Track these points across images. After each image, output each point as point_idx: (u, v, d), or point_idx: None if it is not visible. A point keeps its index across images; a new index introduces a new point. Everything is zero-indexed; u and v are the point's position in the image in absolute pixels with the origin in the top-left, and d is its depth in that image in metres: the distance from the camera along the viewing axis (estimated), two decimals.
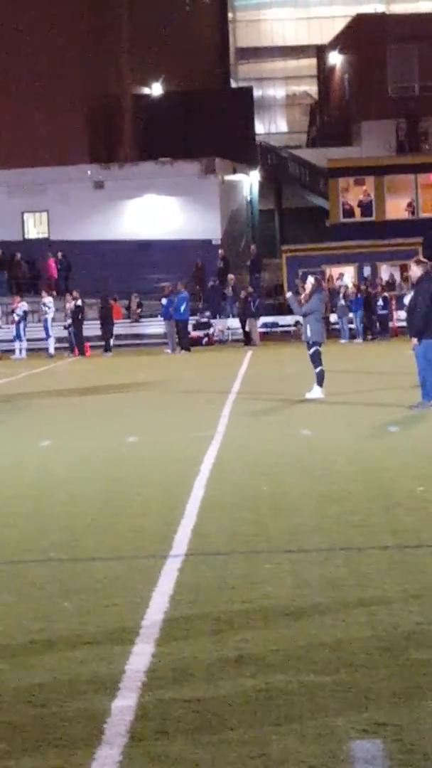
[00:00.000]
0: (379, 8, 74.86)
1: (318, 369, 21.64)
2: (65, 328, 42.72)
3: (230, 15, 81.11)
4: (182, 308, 40.96)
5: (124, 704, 5.99)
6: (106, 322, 42.54)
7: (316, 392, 21.52)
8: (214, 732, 5.59)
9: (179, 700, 6.02)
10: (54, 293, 46.10)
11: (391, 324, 43.16)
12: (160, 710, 5.89)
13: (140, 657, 6.73)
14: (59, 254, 52.21)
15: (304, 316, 22.11)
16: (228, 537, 9.82)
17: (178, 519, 10.58)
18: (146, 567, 8.86)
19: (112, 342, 42.78)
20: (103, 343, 42.47)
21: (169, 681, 6.32)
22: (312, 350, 21.82)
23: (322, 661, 6.52)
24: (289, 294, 25.17)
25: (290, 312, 34.83)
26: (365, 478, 12.43)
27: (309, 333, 21.95)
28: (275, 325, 46.72)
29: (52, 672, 6.57)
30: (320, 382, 21.61)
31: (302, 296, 22.63)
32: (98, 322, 43.34)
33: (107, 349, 42.13)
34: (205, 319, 47.10)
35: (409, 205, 55.13)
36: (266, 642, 6.91)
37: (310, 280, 22.41)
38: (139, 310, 49.81)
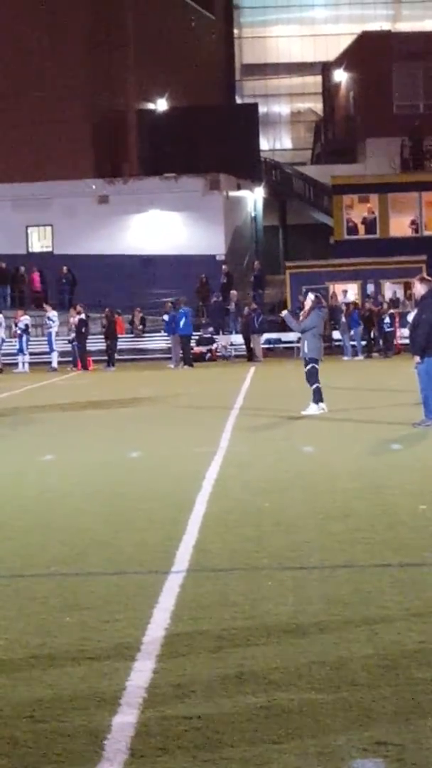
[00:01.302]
0: (385, 26, 75.08)
1: (314, 386, 21.64)
2: (69, 342, 42.75)
3: (236, 31, 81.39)
4: (182, 323, 41.00)
5: (125, 720, 5.97)
6: (110, 337, 42.57)
7: (312, 409, 21.52)
8: (214, 749, 5.57)
9: (180, 716, 6.00)
10: (47, 306, 45.97)
11: (395, 341, 43.17)
12: (160, 727, 5.87)
13: (141, 673, 6.70)
14: (64, 269, 52.26)
15: (302, 332, 22.11)
16: (230, 553, 9.80)
17: (180, 534, 10.57)
18: (148, 582, 8.85)
19: (115, 356, 42.81)
20: (106, 357, 42.51)
21: (170, 697, 6.30)
22: (308, 367, 21.81)
23: (323, 679, 6.50)
24: (285, 312, 25.23)
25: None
26: (368, 495, 12.41)
27: (306, 350, 21.96)
28: (278, 341, 46.75)
29: (53, 687, 6.55)
30: (316, 399, 21.60)
31: (302, 313, 22.64)
32: (102, 336, 43.38)
33: (110, 363, 42.16)
34: (208, 335, 47.14)
35: (413, 222, 55.19)
36: (267, 659, 6.89)
37: (310, 297, 22.44)
38: (141, 327, 49.83)
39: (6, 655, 7.19)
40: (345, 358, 42.33)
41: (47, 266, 52.76)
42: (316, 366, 21.80)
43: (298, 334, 23.81)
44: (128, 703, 6.22)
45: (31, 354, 44.67)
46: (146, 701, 6.24)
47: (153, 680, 6.58)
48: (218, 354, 46.32)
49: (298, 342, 43.51)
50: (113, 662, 6.95)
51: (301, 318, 22.52)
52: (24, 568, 9.54)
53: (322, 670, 6.64)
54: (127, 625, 7.69)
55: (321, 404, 21.63)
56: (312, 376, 21.68)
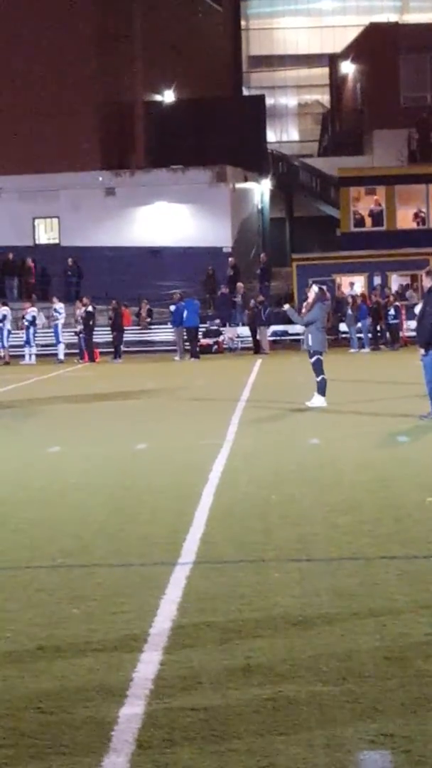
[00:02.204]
0: (392, 18, 74.97)
1: (319, 378, 21.65)
2: (76, 334, 42.77)
3: (243, 23, 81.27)
4: (185, 314, 41.03)
5: (132, 712, 5.98)
6: (117, 329, 42.59)
7: (318, 401, 21.52)
8: (221, 741, 5.57)
9: (187, 708, 6.00)
10: (54, 299, 45.96)
11: (401, 334, 43.13)
12: (167, 718, 5.88)
13: (148, 665, 6.72)
14: (70, 261, 52.26)
15: (306, 325, 22.09)
16: (237, 545, 9.81)
17: (186, 527, 10.57)
18: (155, 574, 8.85)
19: (122, 348, 42.83)
20: (112, 349, 42.52)
21: (177, 689, 6.31)
22: (313, 359, 21.81)
23: (330, 671, 6.51)
24: (287, 306, 25.24)
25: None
26: (374, 487, 12.41)
27: (310, 342, 21.95)
28: (285, 333, 46.70)
29: (60, 679, 6.56)
30: (321, 391, 21.61)
31: (305, 305, 22.63)
32: (109, 328, 43.38)
33: (117, 355, 42.17)
34: (215, 327, 47.12)
35: (416, 215, 55.11)
36: (274, 651, 6.90)
37: (314, 289, 22.41)
38: (148, 319, 49.83)
39: (13, 647, 7.20)
40: (351, 350, 42.28)
41: (54, 258, 52.75)
42: (321, 357, 21.80)
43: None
44: (135, 694, 6.24)
45: (38, 346, 44.68)
46: (153, 693, 6.25)
47: (160, 672, 6.59)
48: (225, 346, 46.30)
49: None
50: (120, 654, 6.96)
51: (303, 311, 22.50)
52: (31, 560, 9.56)
53: (329, 662, 6.65)
54: (134, 617, 7.70)
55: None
56: (318, 368, 21.68)
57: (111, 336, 43.06)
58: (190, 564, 9.17)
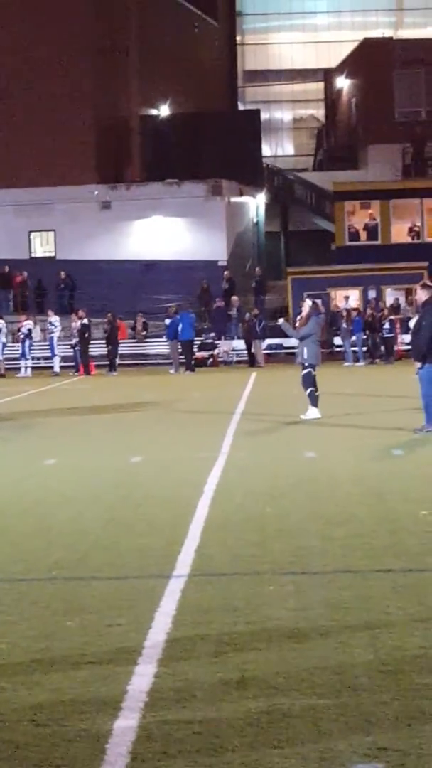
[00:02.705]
0: (387, 33, 75.13)
1: (308, 390, 21.68)
2: (72, 347, 42.79)
3: (238, 38, 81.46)
4: (179, 328, 41.06)
5: (126, 725, 5.98)
6: (112, 342, 42.61)
7: (312, 413, 21.53)
8: (215, 754, 5.57)
9: (181, 721, 6.00)
10: (49, 312, 46.00)
11: (396, 347, 43.19)
12: (162, 731, 5.88)
13: (142, 677, 6.71)
14: (63, 274, 52.31)
15: (301, 339, 22.10)
16: (231, 558, 9.81)
17: (181, 539, 10.58)
18: (149, 587, 8.85)
19: (117, 361, 42.85)
20: (107, 362, 42.55)
21: (171, 702, 6.30)
22: (305, 371, 21.82)
23: (324, 684, 6.51)
24: (281, 320, 25.26)
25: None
26: (369, 501, 12.42)
27: (305, 355, 21.95)
28: (280, 346, 46.73)
29: (55, 691, 6.56)
30: (314, 403, 21.63)
31: (299, 319, 22.65)
32: (104, 341, 43.41)
33: (112, 368, 42.19)
34: (210, 340, 47.14)
35: (411, 229, 55.21)
36: (269, 664, 6.90)
37: (308, 303, 22.45)
38: (144, 332, 49.85)
39: (8, 659, 7.20)
40: (346, 363, 42.34)
41: (50, 272, 52.77)
42: (313, 371, 21.82)
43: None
44: (129, 707, 6.23)
45: (33, 359, 44.69)
46: (147, 705, 6.25)
47: (154, 684, 6.59)
48: (220, 359, 46.33)
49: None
50: (114, 666, 6.96)
51: (297, 325, 22.53)
52: (26, 572, 9.55)
53: (324, 675, 6.65)
54: (129, 630, 7.70)
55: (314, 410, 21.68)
56: (307, 381, 21.69)
57: (106, 349, 43.09)
58: (185, 576, 9.17)
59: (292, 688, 6.47)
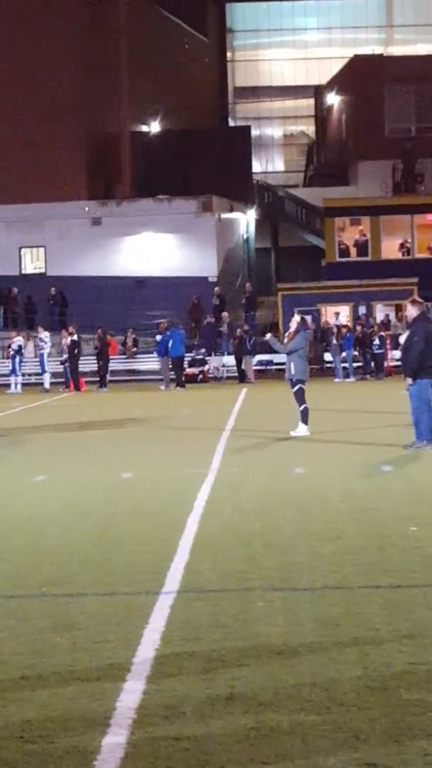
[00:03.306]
0: (377, 50, 75.42)
1: (302, 407, 21.69)
2: (62, 363, 42.80)
3: (229, 54, 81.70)
4: (170, 344, 41.08)
5: (115, 741, 5.97)
6: (103, 358, 42.62)
7: (302, 430, 21.55)
8: None
9: (170, 737, 6.00)
10: (39, 328, 46.04)
11: (386, 363, 43.27)
12: (150, 748, 5.87)
13: (131, 694, 6.71)
14: (53, 290, 52.36)
15: (288, 354, 22.13)
16: (220, 574, 9.82)
17: (171, 555, 10.58)
18: (139, 603, 8.86)
19: (107, 378, 42.85)
20: (98, 378, 42.56)
21: (160, 718, 6.31)
22: (296, 388, 21.85)
23: (313, 700, 6.51)
24: (268, 335, 25.32)
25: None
26: (358, 517, 12.43)
27: (293, 371, 21.96)
28: (270, 362, 46.81)
29: (43, 708, 6.55)
30: (305, 420, 21.65)
31: (287, 335, 22.69)
32: (94, 357, 43.42)
33: (103, 384, 42.18)
34: (200, 356, 47.18)
35: (402, 245, 55.35)
36: (257, 680, 6.90)
37: (296, 318, 22.50)
38: (134, 348, 49.87)
39: None
40: (336, 380, 42.40)
41: (40, 288, 52.81)
42: (303, 387, 21.85)
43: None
44: (118, 723, 6.23)
45: (23, 375, 44.68)
46: (136, 722, 6.25)
47: (143, 701, 6.59)
48: (210, 375, 46.36)
49: None
50: (103, 683, 6.95)
51: (286, 340, 22.56)
52: (15, 589, 9.55)
53: (312, 691, 6.66)
54: (118, 646, 7.71)
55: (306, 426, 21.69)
56: (300, 397, 21.73)
57: (96, 365, 43.11)
58: (174, 593, 9.17)
59: (280, 704, 6.47)
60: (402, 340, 20.53)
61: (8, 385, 43.82)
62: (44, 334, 44.33)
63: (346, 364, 43.38)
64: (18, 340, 44.43)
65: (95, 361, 43.40)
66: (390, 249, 55.17)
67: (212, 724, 6.20)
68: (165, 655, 7.46)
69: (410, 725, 6.08)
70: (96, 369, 43.19)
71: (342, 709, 6.36)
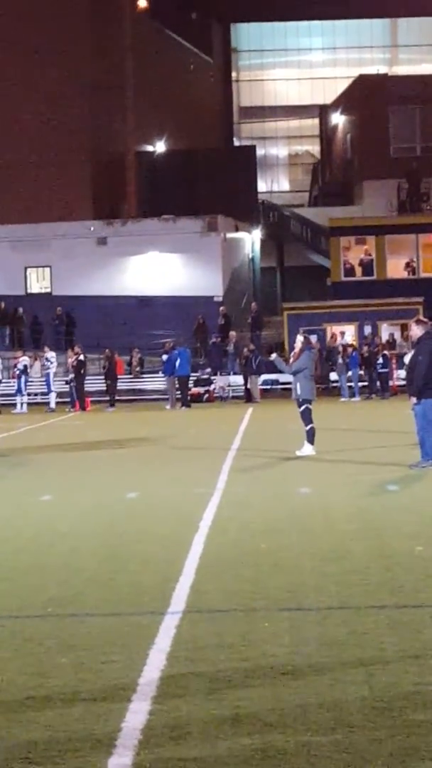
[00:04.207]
0: (382, 70, 75.65)
1: (308, 427, 21.69)
2: (67, 383, 42.82)
3: (234, 74, 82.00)
4: (177, 363, 41.09)
5: (120, 762, 5.96)
6: (111, 377, 42.65)
7: (307, 450, 21.54)
8: None
9: (175, 758, 5.99)
10: (46, 348, 46.16)
11: (391, 383, 43.26)
12: None
13: (137, 715, 6.70)
14: (58, 310, 52.44)
15: (294, 374, 22.14)
16: (226, 594, 9.80)
17: (176, 575, 10.57)
18: (144, 623, 8.85)
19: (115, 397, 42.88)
20: (107, 398, 42.60)
21: (166, 739, 6.29)
22: (302, 408, 21.86)
23: (319, 721, 6.49)
24: (274, 355, 25.32)
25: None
26: (364, 536, 12.41)
27: (299, 391, 21.98)
28: (276, 382, 46.81)
29: (49, 729, 6.54)
30: (311, 440, 21.64)
31: (293, 354, 22.70)
32: (102, 376, 43.46)
33: (112, 403, 42.18)
34: (206, 376, 47.18)
35: (408, 264, 55.39)
36: (263, 701, 6.88)
37: (299, 338, 22.51)
38: (138, 368, 49.90)
39: (1, 696, 7.18)
40: (342, 399, 42.38)
41: (46, 307, 52.87)
42: (310, 406, 21.85)
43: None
44: (124, 744, 6.22)
45: (29, 394, 44.71)
46: (142, 743, 6.24)
47: (149, 722, 6.58)
48: (216, 395, 46.36)
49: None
50: (109, 703, 6.94)
51: (291, 360, 22.57)
52: (20, 609, 9.54)
53: (318, 712, 6.64)
54: (123, 667, 7.69)
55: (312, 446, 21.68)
56: (306, 417, 21.73)
57: (105, 384, 43.15)
58: (180, 613, 9.16)
59: (286, 725, 6.45)
60: (407, 359, 20.52)
61: (14, 405, 43.85)
62: (50, 354, 44.38)
63: (352, 384, 43.37)
64: (24, 360, 44.48)
65: (103, 381, 43.44)
66: (395, 268, 55.22)
67: (218, 745, 6.18)
68: (170, 676, 7.44)
69: (417, 746, 6.06)
70: (104, 388, 43.24)
71: (348, 730, 6.34)
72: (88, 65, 59.67)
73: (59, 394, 43.69)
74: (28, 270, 55.57)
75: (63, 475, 20.06)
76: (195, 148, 65.34)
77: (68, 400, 42.81)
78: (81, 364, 41.52)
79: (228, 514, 14.32)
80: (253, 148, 68.61)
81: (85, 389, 42.50)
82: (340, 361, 43.47)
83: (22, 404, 43.67)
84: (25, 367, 44.23)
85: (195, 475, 18.98)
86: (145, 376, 50.04)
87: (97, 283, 54.15)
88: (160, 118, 64.16)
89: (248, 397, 43.45)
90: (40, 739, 6.37)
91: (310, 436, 21.66)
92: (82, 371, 41.69)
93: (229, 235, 56.52)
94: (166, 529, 13.39)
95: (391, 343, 48.08)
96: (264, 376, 45.46)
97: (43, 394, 45.31)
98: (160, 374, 45.15)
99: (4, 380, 44.93)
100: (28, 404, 43.98)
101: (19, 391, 43.85)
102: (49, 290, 55.39)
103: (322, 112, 74.00)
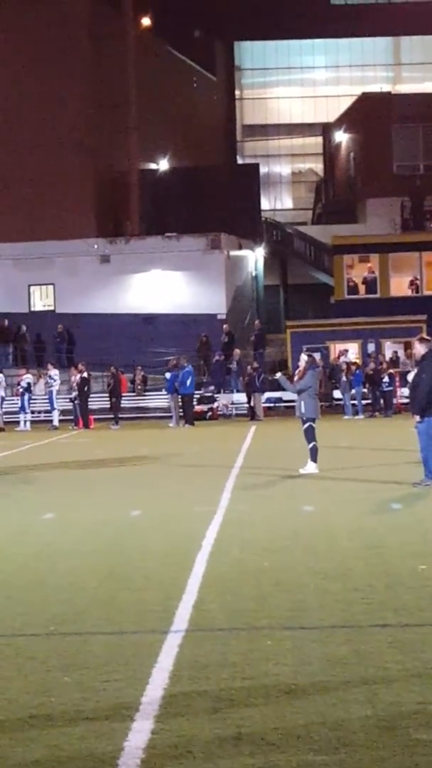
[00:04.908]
0: (385, 88, 75.89)
1: (311, 445, 21.70)
2: (71, 400, 42.81)
3: (237, 93, 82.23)
4: (188, 382, 41.11)
5: None
6: (116, 395, 42.65)
7: (310, 468, 21.55)
8: None
9: None
10: (49, 365, 46.21)
11: (395, 400, 43.25)
12: None
13: (139, 734, 6.69)
14: (60, 327, 52.48)
15: (299, 393, 22.17)
16: (229, 613, 9.79)
17: (179, 594, 10.56)
18: (147, 642, 8.84)
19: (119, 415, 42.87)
20: (110, 415, 42.60)
21: (168, 758, 6.28)
22: (306, 426, 21.88)
23: (322, 740, 6.48)
24: (279, 374, 25.34)
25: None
26: (367, 555, 12.40)
27: (303, 409, 22.01)
28: (279, 400, 46.80)
29: (51, 748, 6.53)
30: (314, 458, 21.65)
31: (297, 373, 22.73)
32: (106, 394, 43.44)
33: (116, 421, 42.17)
34: (209, 394, 47.17)
35: (412, 282, 55.44)
36: (266, 720, 6.88)
37: (303, 357, 22.54)
38: (141, 386, 49.89)
39: (4, 715, 7.18)
40: (345, 417, 42.38)
41: (49, 325, 52.91)
42: (314, 425, 21.87)
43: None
44: (126, 764, 6.21)
45: (32, 412, 44.72)
46: (144, 762, 6.23)
47: (151, 741, 6.57)
48: (219, 413, 46.34)
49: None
50: (111, 722, 6.93)
51: (296, 378, 22.60)
52: (23, 627, 9.53)
53: (321, 731, 6.63)
54: (126, 685, 7.68)
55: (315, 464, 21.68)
56: (310, 435, 21.74)
57: (109, 402, 43.15)
58: (183, 632, 9.15)
59: (289, 744, 6.44)
60: (410, 377, 20.53)
61: (17, 423, 43.85)
62: (54, 372, 44.40)
63: (356, 402, 43.37)
64: (27, 378, 44.50)
65: (107, 398, 43.43)
66: (399, 286, 55.24)
67: (220, 764, 6.17)
68: (173, 695, 7.43)
69: (420, 765, 6.05)
70: (107, 406, 43.22)
71: (351, 749, 6.33)
72: (91, 83, 59.85)
73: (62, 412, 43.69)
74: (32, 288, 55.61)
75: (66, 493, 20.06)
76: (198, 166, 65.48)
77: (71, 417, 42.79)
78: (85, 381, 41.52)
79: (231, 533, 14.31)
80: (256, 166, 68.76)
81: (89, 407, 42.48)
82: (343, 379, 43.48)
83: (25, 422, 43.66)
84: (29, 384, 44.23)
85: (198, 493, 18.97)
86: (148, 393, 50.03)
87: (100, 300, 54.19)
88: (163, 136, 64.33)
89: (252, 414, 43.45)
90: (43, 758, 6.36)
91: (314, 455, 21.67)
92: (85, 389, 41.69)
93: (233, 252, 56.59)
94: (169, 547, 13.39)
95: (395, 361, 48.08)
96: (267, 394, 45.46)
97: (46, 411, 45.30)
98: (164, 392, 45.13)
99: (7, 398, 44.91)
100: (32, 422, 43.97)
101: (22, 408, 43.84)
102: (52, 308, 55.42)
103: (326, 130, 74.21)
